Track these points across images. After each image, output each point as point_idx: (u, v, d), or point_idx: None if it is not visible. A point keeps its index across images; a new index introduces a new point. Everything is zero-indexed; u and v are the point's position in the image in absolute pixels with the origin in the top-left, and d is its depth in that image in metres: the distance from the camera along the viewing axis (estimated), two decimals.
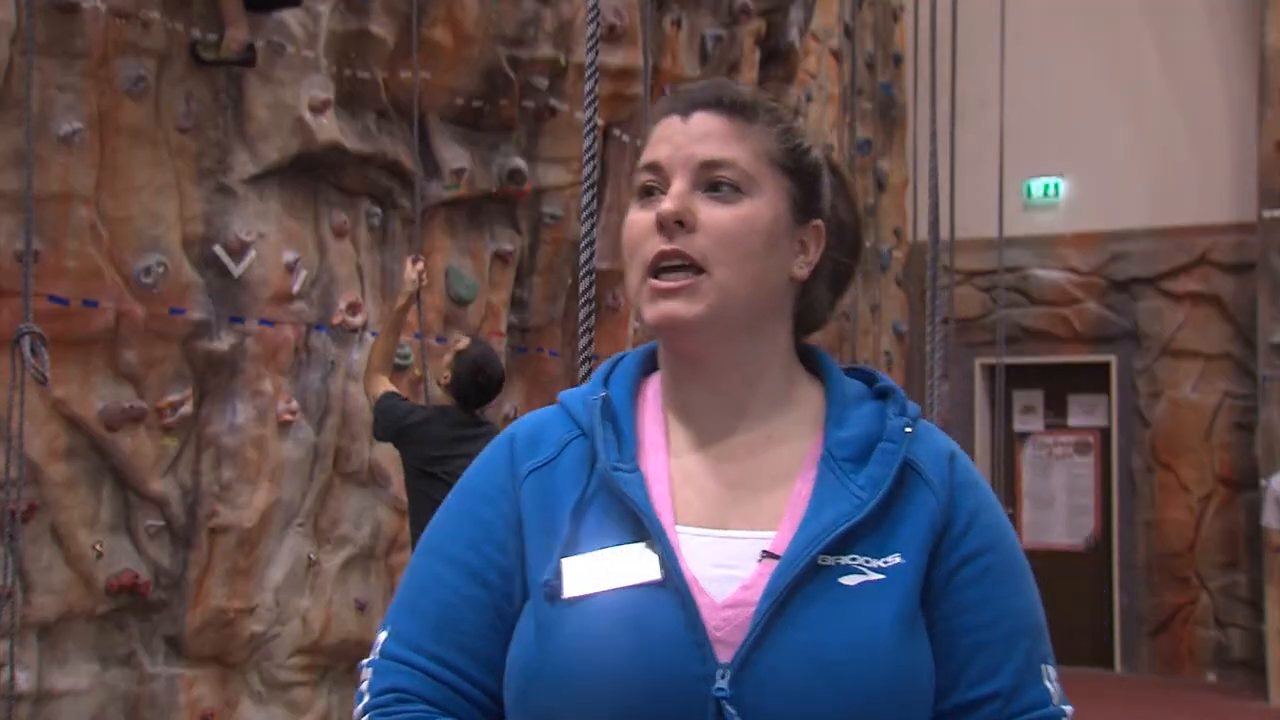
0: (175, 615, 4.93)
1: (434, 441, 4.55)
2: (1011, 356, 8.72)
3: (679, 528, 1.21)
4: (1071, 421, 10.64)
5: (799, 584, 1.16)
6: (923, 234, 6.82)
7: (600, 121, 6.19)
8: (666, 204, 1.24)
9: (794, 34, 7.48)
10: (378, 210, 5.60)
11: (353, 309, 5.43)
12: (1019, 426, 10.73)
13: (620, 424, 1.28)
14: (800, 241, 1.29)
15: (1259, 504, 9.01)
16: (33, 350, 3.87)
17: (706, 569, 1.19)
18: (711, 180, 1.25)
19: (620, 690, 1.15)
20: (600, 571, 1.19)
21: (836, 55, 9.38)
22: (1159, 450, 10.12)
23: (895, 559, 1.19)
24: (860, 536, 1.19)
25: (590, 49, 1.93)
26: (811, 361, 1.34)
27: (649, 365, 1.35)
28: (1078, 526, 10.54)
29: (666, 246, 1.24)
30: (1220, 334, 9.96)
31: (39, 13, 4.36)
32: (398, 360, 5.44)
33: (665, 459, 1.27)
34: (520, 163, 5.96)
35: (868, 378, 1.34)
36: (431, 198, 5.72)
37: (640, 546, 1.20)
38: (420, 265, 4.94)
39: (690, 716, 1.13)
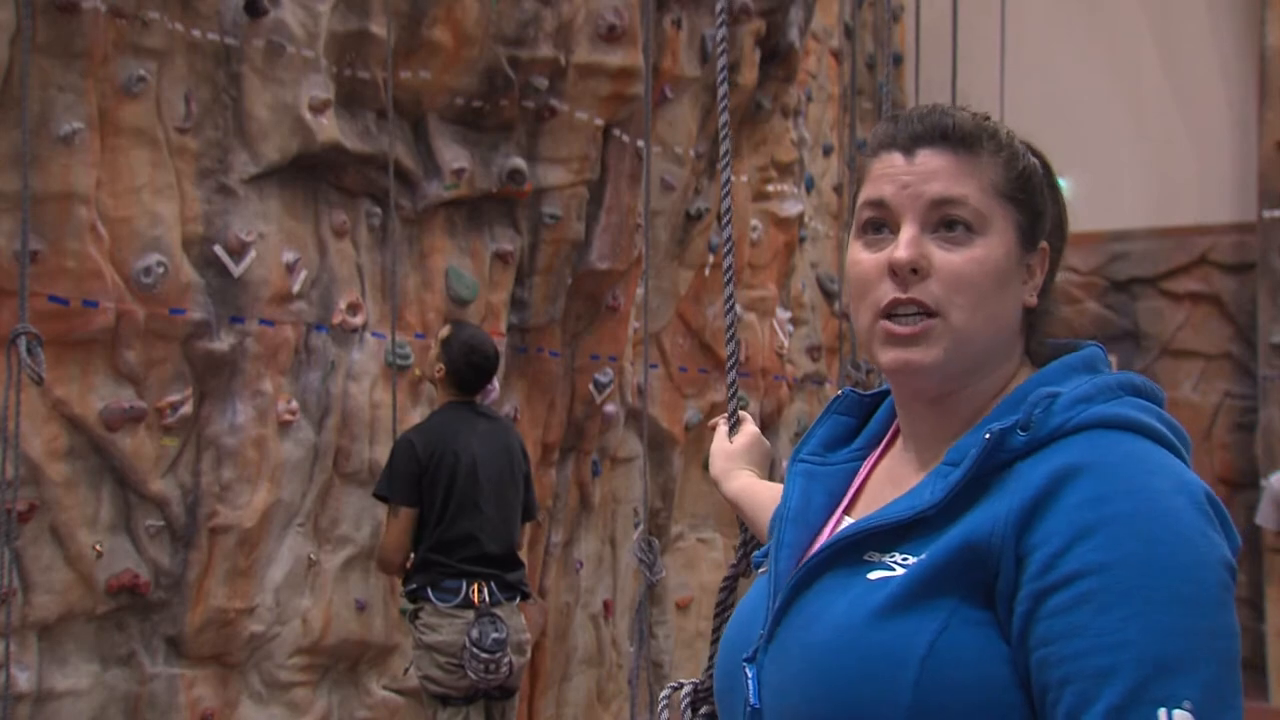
0: (175, 615, 4.92)
1: (444, 442, 4.43)
2: None
3: (846, 516, 1.30)
4: None
5: (819, 572, 1.20)
6: None
7: (600, 122, 6.18)
8: (900, 252, 1.22)
9: (794, 34, 7.46)
10: (378, 210, 5.59)
11: (353, 309, 5.43)
12: None
13: (850, 421, 1.38)
14: (1028, 267, 1.28)
15: (1259, 504, 9.00)
16: (29, 350, 3.87)
17: None
18: (943, 219, 1.23)
19: (722, 653, 1.32)
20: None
21: (836, 55, 9.36)
22: None
23: (923, 557, 1.13)
24: (912, 537, 1.16)
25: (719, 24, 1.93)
26: (1050, 359, 1.31)
27: None
28: None
29: (901, 295, 1.22)
30: (1220, 334, 9.95)
31: (39, 13, 4.36)
32: (399, 361, 5.43)
33: (876, 459, 1.34)
34: (520, 163, 5.95)
35: (1110, 389, 1.26)
36: (432, 197, 5.71)
37: None
38: None
39: (741, 679, 1.25)
